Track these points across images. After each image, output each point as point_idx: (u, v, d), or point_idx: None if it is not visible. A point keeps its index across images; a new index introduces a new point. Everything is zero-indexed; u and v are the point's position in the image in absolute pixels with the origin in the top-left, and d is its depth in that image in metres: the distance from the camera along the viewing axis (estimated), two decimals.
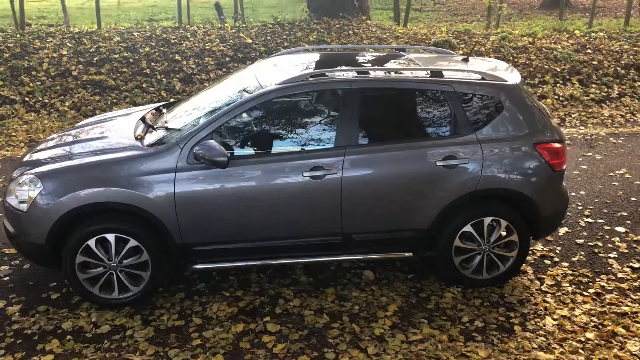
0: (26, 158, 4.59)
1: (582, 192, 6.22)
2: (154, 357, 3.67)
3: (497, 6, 14.31)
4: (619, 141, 7.98)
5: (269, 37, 11.34)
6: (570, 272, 4.68)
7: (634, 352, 3.72)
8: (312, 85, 4.24)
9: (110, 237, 4.01)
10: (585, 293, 4.39)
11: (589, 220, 5.60)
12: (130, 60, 10.00)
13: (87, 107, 8.82)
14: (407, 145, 4.18)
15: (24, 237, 4.10)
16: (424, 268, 4.64)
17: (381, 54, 5.53)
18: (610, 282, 4.55)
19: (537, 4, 20.37)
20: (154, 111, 5.07)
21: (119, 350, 3.72)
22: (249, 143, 4.24)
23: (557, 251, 5.01)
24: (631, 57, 11.08)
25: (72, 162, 4.17)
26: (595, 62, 10.82)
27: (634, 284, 4.52)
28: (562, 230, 5.34)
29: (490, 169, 4.21)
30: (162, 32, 11.26)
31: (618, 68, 10.65)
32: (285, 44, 10.88)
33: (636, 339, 3.87)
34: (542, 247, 5.06)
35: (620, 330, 3.94)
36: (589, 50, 11.40)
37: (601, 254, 4.96)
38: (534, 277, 4.60)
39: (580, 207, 5.86)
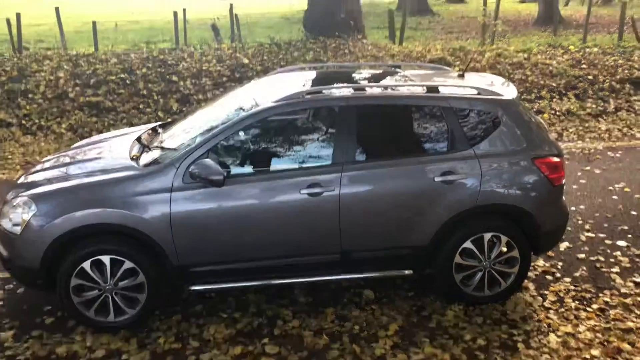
0: (21, 180, 4.55)
1: (582, 207, 6.18)
2: None
3: (491, 23, 14.41)
4: (617, 155, 7.96)
5: (265, 57, 11.39)
6: (572, 287, 4.62)
7: None
8: (308, 102, 4.22)
9: (106, 259, 3.95)
10: (588, 309, 4.33)
11: (590, 234, 5.55)
12: (127, 81, 10.03)
13: (84, 129, 8.81)
14: (405, 162, 4.15)
15: (18, 261, 4.04)
16: (424, 286, 4.58)
17: (377, 71, 5.53)
18: (613, 297, 4.48)
19: (530, 21, 20.55)
20: (150, 131, 5.04)
21: None
22: (245, 161, 4.20)
23: (559, 266, 4.95)
24: (626, 71, 11.14)
25: (67, 183, 4.13)
26: (590, 77, 10.87)
27: (638, 299, 4.46)
28: (563, 245, 5.28)
29: (489, 184, 4.17)
30: (159, 54, 11.31)
31: (613, 82, 10.69)
32: (282, 64, 10.92)
33: None
34: (543, 262, 5.00)
35: (625, 346, 3.87)
36: (584, 65, 11.46)
37: (603, 269, 4.90)
38: (536, 293, 4.53)
39: (580, 222, 5.82)
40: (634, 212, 6.02)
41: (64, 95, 9.53)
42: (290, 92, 4.19)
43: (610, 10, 23.25)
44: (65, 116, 9.12)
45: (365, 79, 5.15)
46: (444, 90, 4.40)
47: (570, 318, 4.21)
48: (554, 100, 10.18)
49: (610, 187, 6.73)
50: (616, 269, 4.89)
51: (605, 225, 5.74)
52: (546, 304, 4.39)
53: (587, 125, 9.41)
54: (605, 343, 3.92)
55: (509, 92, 4.50)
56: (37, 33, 16.90)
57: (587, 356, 3.78)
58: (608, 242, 5.39)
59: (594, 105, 10.02)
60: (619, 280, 4.72)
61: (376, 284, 4.63)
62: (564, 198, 4.55)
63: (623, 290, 4.58)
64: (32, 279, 4.09)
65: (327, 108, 4.30)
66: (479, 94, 4.36)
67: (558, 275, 4.81)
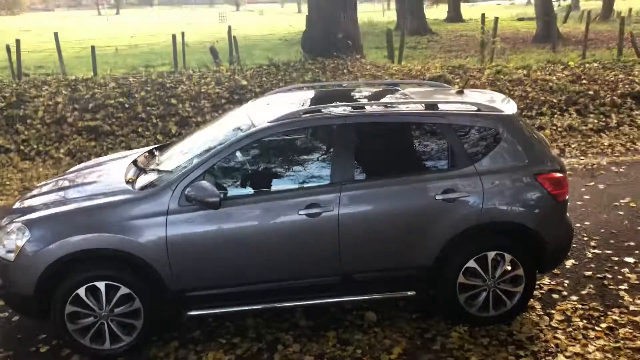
0: (16, 205, 4.49)
1: (587, 223, 6.08)
2: None
3: (490, 41, 14.46)
4: (621, 170, 7.87)
5: (264, 79, 11.40)
6: (580, 306, 4.50)
7: None
8: (306, 121, 4.16)
9: (101, 285, 3.86)
10: (597, 328, 4.20)
11: (596, 251, 5.43)
12: (126, 105, 10.02)
13: (83, 153, 8.77)
14: (405, 180, 4.08)
15: (12, 288, 3.95)
16: (428, 307, 4.46)
17: (375, 89, 5.48)
18: (622, 315, 4.36)
19: (529, 38, 20.65)
20: (146, 154, 4.98)
21: None
22: (242, 182, 4.14)
23: (565, 284, 4.83)
24: (627, 86, 11.10)
25: (61, 208, 4.06)
26: (591, 92, 10.83)
27: None
28: (569, 263, 5.17)
29: (492, 202, 4.09)
30: (158, 77, 11.33)
31: (615, 97, 10.64)
32: (281, 85, 10.92)
33: None
34: (549, 280, 4.89)
35: None
36: (584, 81, 11.43)
37: (611, 286, 4.79)
38: (542, 313, 4.41)
39: (586, 238, 5.71)
40: None
41: (63, 120, 9.52)
42: (287, 112, 4.14)
43: (609, 26, 23.40)
44: (64, 141, 9.10)
45: (362, 97, 5.11)
46: (443, 107, 4.34)
47: (579, 338, 4.09)
48: (555, 116, 10.13)
49: (616, 203, 6.63)
50: (624, 286, 4.77)
51: (612, 241, 5.64)
52: (553, 324, 4.27)
53: (589, 140, 9.33)
54: None
55: (509, 108, 4.45)
56: (37, 59, 17.00)
57: None
58: (615, 258, 5.28)
59: (595, 121, 9.96)
60: (627, 297, 4.60)
61: (379, 305, 4.52)
62: (568, 214, 4.46)
63: (632, 307, 4.45)
64: (27, 307, 4.00)
65: (325, 127, 4.24)
66: (478, 110, 4.31)
67: (565, 293, 4.70)
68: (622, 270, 5.04)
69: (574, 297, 4.62)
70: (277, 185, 4.10)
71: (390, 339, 4.12)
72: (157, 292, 3.94)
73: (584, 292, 4.70)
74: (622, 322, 4.27)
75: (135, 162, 4.72)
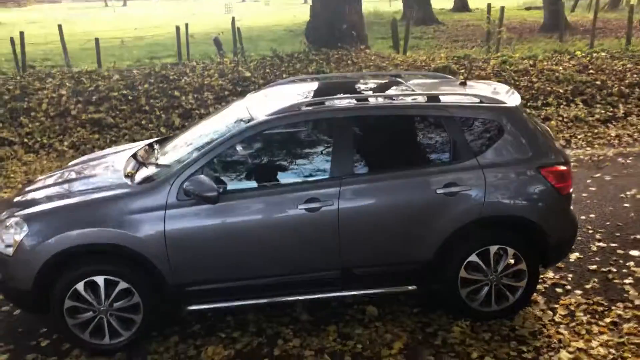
0: (16, 199, 4.48)
1: (592, 215, 6.01)
2: None
3: (496, 31, 14.30)
4: (628, 161, 7.77)
5: (267, 70, 11.34)
6: (584, 300, 4.44)
7: None
8: (305, 115, 4.11)
9: (100, 279, 3.85)
10: (601, 323, 4.15)
11: (601, 244, 5.37)
12: (129, 97, 10.00)
13: (86, 146, 8.77)
14: (406, 174, 4.02)
15: (11, 282, 3.94)
16: (430, 301, 4.42)
17: (376, 81, 5.42)
18: (627, 310, 4.30)
19: (536, 28, 20.41)
20: (146, 147, 4.95)
21: None
22: (240, 177, 4.09)
23: (569, 278, 4.78)
24: (635, 75, 10.95)
25: (59, 202, 4.04)
26: (598, 82, 10.70)
27: None
28: (573, 256, 5.11)
29: (494, 195, 4.03)
30: (161, 69, 11.30)
31: (622, 87, 10.51)
32: (284, 76, 10.86)
33: None
34: (553, 274, 4.83)
35: None
36: (591, 71, 11.29)
37: (616, 280, 4.72)
38: (545, 307, 4.36)
39: (591, 231, 5.64)
40: None
41: (66, 113, 9.51)
42: (286, 105, 4.09)
43: (618, 15, 23.08)
44: (68, 133, 9.09)
45: (364, 89, 5.05)
46: (445, 99, 4.27)
47: (582, 333, 4.04)
48: (561, 106, 10.02)
49: (622, 195, 6.55)
50: (629, 280, 4.71)
51: (617, 234, 5.56)
52: (556, 319, 4.22)
53: (596, 131, 9.23)
54: (619, 359, 3.74)
55: (513, 99, 4.37)
56: (44, 52, 17.02)
57: None
58: (620, 252, 5.21)
59: (602, 111, 9.84)
60: (632, 292, 4.54)
61: (380, 299, 4.48)
62: (572, 207, 4.40)
63: (637, 302, 4.39)
64: (26, 301, 4.00)
65: (325, 120, 4.19)
66: (481, 102, 4.24)
67: (568, 287, 4.64)
68: (627, 264, 4.98)
69: (578, 292, 4.57)
70: (276, 179, 4.06)
71: (391, 334, 4.08)
72: (156, 287, 3.93)
73: (588, 286, 4.64)
74: (627, 316, 4.22)
75: (134, 156, 4.69)
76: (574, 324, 4.15)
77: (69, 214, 3.92)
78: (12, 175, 7.98)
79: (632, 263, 4.99)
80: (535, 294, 4.44)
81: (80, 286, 3.83)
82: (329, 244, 3.95)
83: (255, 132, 4.03)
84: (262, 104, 4.40)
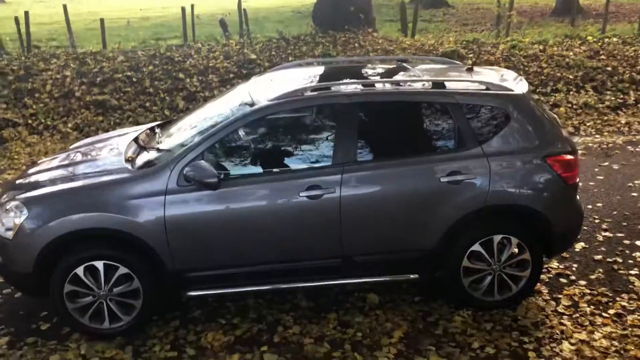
0: (16, 182, 4.45)
1: (599, 205, 5.93)
2: None
3: (506, 14, 14.07)
4: (638, 149, 7.66)
5: (273, 53, 11.23)
6: (588, 291, 4.40)
7: None
8: (307, 100, 4.04)
9: (99, 264, 3.83)
10: (604, 314, 4.10)
11: (608, 234, 5.30)
12: (134, 79, 9.93)
13: (90, 128, 8.74)
14: (409, 161, 3.96)
15: (11, 265, 3.94)
16: (432, 290, 4.38)
17: (381, 66, 5.33)
18: (632, 301, 4.25)
19: (548, 12, 20.08)
20: (147, 131, 4.90)
21: None
22: (241, 163, 4.04)
23: (574, 268, 4.72)
24: None
25: (59, 186, 4.01)
26: (609, 68, 10.52)
27: None
28: (579, 246, 5.05)
29: (499, 184, 3.97)
30: (166, 50, 11.20)
31: (634, 74, 10.33)
32: (290, 59, 10.75)
33: None
34: (557, 264, 4.78)
35: None
36: (602, 57, 11.11)
37: (621, 271, 4.67)
38: (549, 298, 4.32)
39: (597, 221, 5.57)
40: None
41: (70, 94, 9.47)
42: (288, 90, 4.01)
43: None
44: (72, 115, 9.06)
45: (369, 74, 4.96)
46: (450, 86, 4.19)
47: (585, 324, 4.00)
48: (571, 93, 9.87)
49: (630, 184, 6.46)
50: (635, 271, 4.65)
51: (624, 224, 5.49)
52: (559, 309, 4.17)
53: (605, 118, 9.10)
54: (622, 351, 3.70)
55: (520, 86, 4.28)
56: (49, 32, 16.93)
57: None
58: (627, 242, 5.14)
59: (612, 98, 9.69)
60: (638, 283, 4.49)
61: (382, 287, 4.45)
62: (578, 197, 4.33)
63: None
64: (25, 284, 4.00)
65: (327, 106, 4.12)
66: (487, 89, 4.15)
67: (573, 277, 4.59)
68: (633, 255, 4.91)
69: (582, 282, 4.52)
70: (277, 166, 4.00)
71: (391, 322, 4.05)
72: (156, 273, 3.91)
73: (592, 277, 4.59)
74: (631, 308, 4.17)
75: (136, 140, 4.65)
76: (577, 315, 4.11)
77: (69, 198, 3.90)
78: (16, 157, 7.97)
79: (638, 254, 4.92)
80: (539, 283, 4.39)
81: (80, 270, 3.81)
82: (330, 231, 3.90)
83: (257, 118, 3.96)
84: (265, 89, 4.33)
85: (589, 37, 12.57)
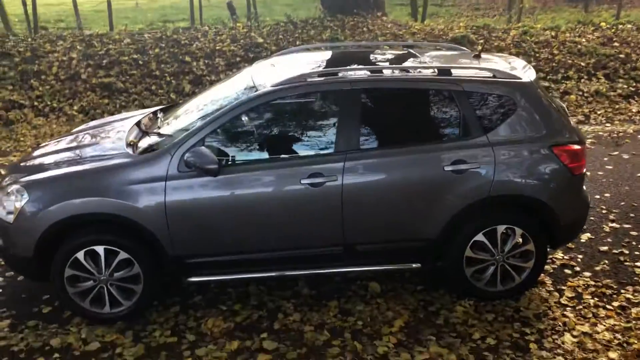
0: (22, 164, 4.44)
1: (607, 195, 5.85)
2: None
3: None
4: None
5: (280, 36, 11.12)
6: (592, 282, 4.34)
7: None
8: (310, 86, 3.97)
9: (100, 249, 3.82)
10: (608, 306, 4.05)
11: (614, 225, 5.23)
12: (140, 62, 9.88)
13: (96, 111, 8.72)
14: (412, 150, 3.90)
15: (12, 249, 3.94)
16: (434, 279, 4.35)
17: (387, 52, 5.24)
18: (636, 294, 4.20)
19: None
20: (150, 116, 4.87)
21: None
22: (242, 149, 4.00)
23: (579, 259, 4.67)
24: None
25: (60, 171, 4.00)
26: (622, 56, 10.34)
27: None
28: (585, 237, 4.99)
29: (504, 174, 3.91)
30: (173, 33, 11.12)
31: None
32: (298, 43, 10.64)
33: None
34: (562, 255, 4.72)
35: None
36: (615, 43, 10.91)
37: (627, 263, 4.61)
38: (552, 289, 4.27)
39: (604, 211, 5.50)
40: None
41: (77, 77, 9.44)
42: (291, 75, 3.95)
43: None
44: (77, 98, 9.03)
45: (373, 60, 4.88)
46: (456, 73, 4.11)
47: (588, 316, 3.96)
48: (582, 80, 9.72)
49: (639, 174, 6.36)
50: None
51: (632, 215, 5.42)
52: (563, 301, 4.13)
53: (617, 107, 8.95)
54: (625, 345, 3.66)
55: (527, 74, 4.19)
56: (57, 13, 16.86)
57: (605, 359, 3.53)
58: (634, 233, 5.07)
59: (625, 86, 9.53)
60: None
61: (384, 276, 4.42)
62: (584, 188, 4.25)
63: None
64: (26, 268, 4.00)
65: (330, 92, 4.05)
66: (494, 76, 4.07)
67: (577, 269, 4.54)
68: (639, 246, 4.84)
69: (587, 273, 4.47)
70: (279, 152, 3.95)
71: (392, 311, 4.03)
72: (157, 258, 3.90)
73: (597, 268, 4.53)
74: (635, 301, 4.12)
75: (138, 124, 4.61)
76: (580, 306, 4.06)
77: (70, 182, 3.88)
78: (22, 139, 7.98)
79: None
80: (542, 274, 4.35)
81: (80, 255, 3.81)
82: (332, 219, 3.86)
83: (260, 103, 3.91)
84: (267, 74, 4.27)
85: (603, 24, 12.35)
